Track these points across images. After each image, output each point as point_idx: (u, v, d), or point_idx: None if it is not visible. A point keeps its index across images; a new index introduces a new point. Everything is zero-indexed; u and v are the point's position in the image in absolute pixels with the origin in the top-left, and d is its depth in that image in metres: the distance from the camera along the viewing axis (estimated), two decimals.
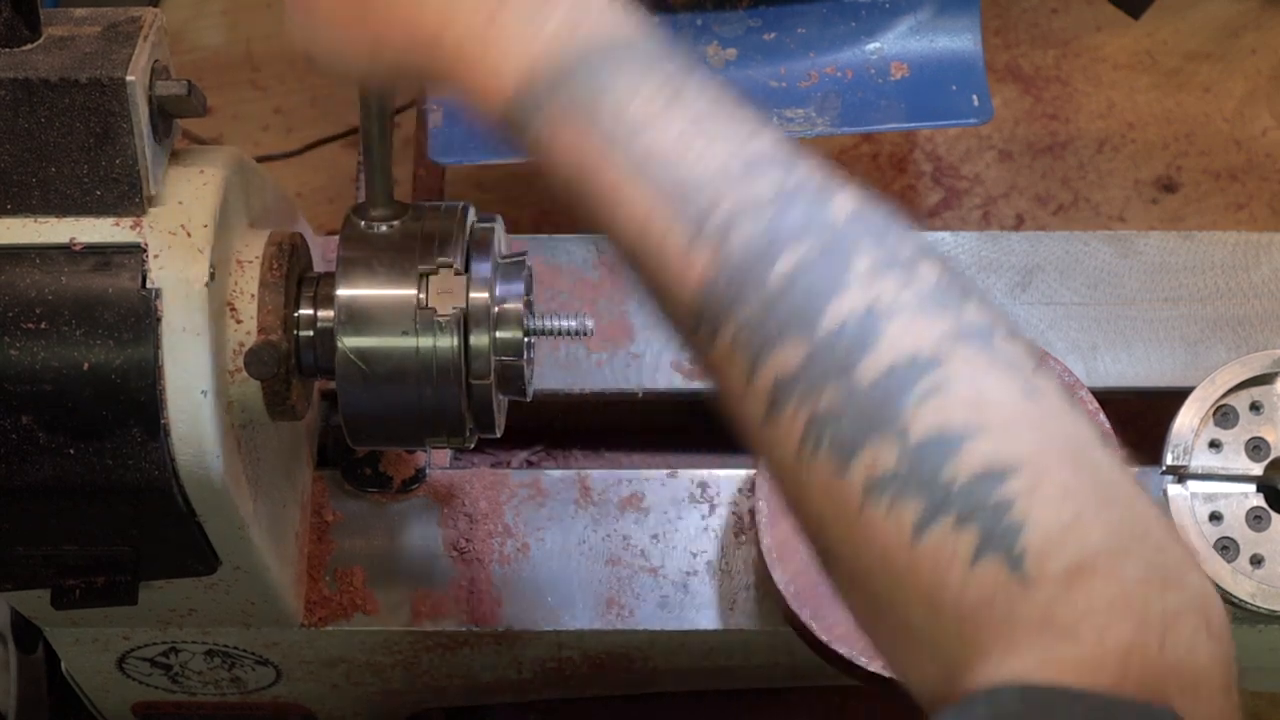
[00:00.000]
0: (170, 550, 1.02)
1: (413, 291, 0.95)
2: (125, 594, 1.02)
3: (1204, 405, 1.15)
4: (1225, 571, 1.12)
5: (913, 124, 1.28)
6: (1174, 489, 1.13)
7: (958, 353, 0.69)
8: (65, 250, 0.91)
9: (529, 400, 1.02)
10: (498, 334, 0.96)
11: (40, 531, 0.99)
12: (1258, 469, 1.14)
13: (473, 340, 0.96)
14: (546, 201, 1.85)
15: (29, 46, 0.92)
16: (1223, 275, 1.25)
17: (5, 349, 0.90)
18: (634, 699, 1.33)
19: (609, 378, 1.23)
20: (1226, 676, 0.66)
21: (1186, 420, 1.14)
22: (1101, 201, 1.69)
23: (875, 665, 1.09)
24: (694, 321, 0.72)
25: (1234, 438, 1.14)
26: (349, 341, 0.95)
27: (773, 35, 1.27)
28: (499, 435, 1.02)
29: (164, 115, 0.94)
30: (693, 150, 0.73)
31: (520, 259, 0.99)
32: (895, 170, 1.71)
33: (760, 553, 1.13)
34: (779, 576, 1.11)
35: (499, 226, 1.00)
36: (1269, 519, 1.13)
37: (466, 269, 0.96)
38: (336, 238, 0.99)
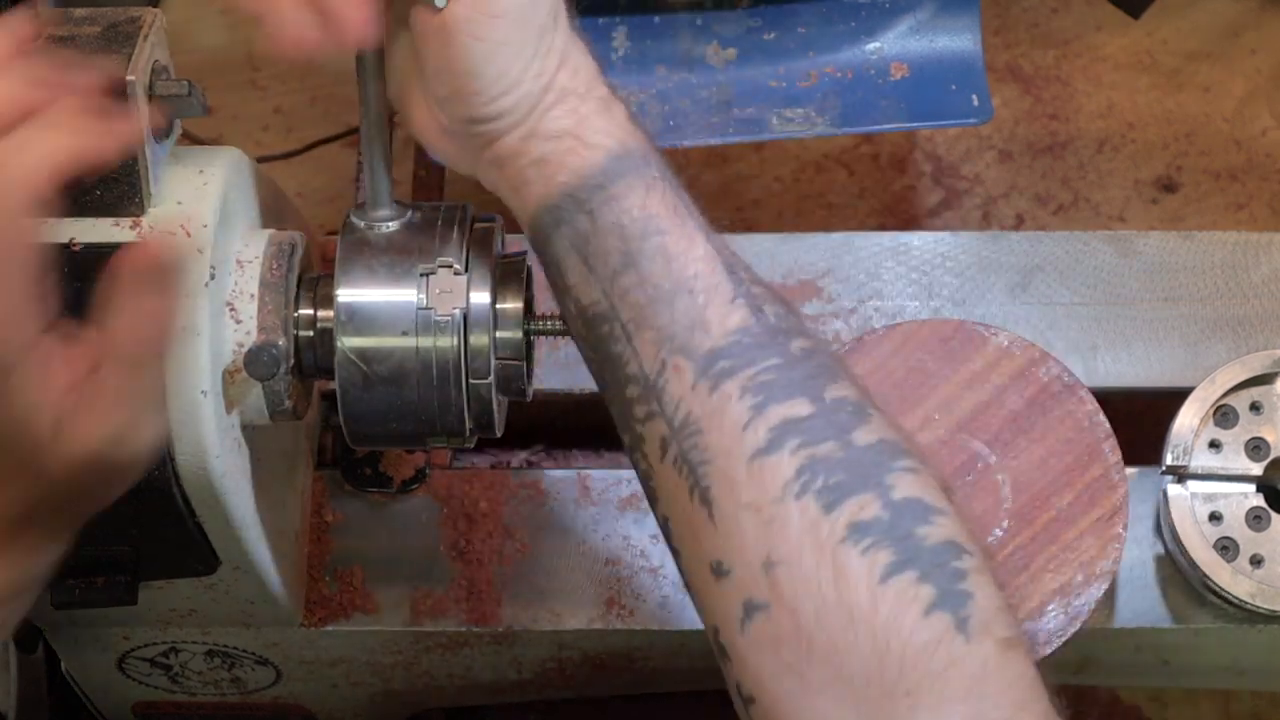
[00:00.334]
0: (170, 550, 1.02)
1: (413, 292, 0.95)
2: (125, 594, 1.02)
3: (1204, 405, 1.15)
4: (1225, 571, 1.12)
5: (913, 124, 1.28)
6: (1174, 489, 1.13)
7: (928, 469, 0.83)
8: (65, 250, 0.91)
9: (529, 400, 1.02)
10: (498, 334, 0.97)
11: None
12: (1258, 469, 1.14)
13: (472, 340, 0.96)
14: None
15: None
16: (1223, 275, 1.25)
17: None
18: (634, 699, 1.33)
19: None
20: None
21: (1186, 420, 1.14)
22: (1101, 201, 1.69)
23: None
24: (711, 356, 0.85)
25: (1234, 438, 1.14)
26: (349, 342, 0.95)
27: (773, 35, 1.27)
28: (499, 435, 1.02)
29: (163, 115, 0.94)
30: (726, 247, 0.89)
31: (520, 259, 1.00)
32: (895, 170, 1.71)
33: None
34: None
35: (499, 226, 1.00)
36: (1269, 519, 1.13)
37: (466, 269, 0.96)
38: (336, 238, 0.99)
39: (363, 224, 0.98)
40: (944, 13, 1.27)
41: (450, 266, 0.95)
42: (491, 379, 0.97)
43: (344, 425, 0.99)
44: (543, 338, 1.01)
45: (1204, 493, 1.14)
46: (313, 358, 0.99)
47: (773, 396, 0.83)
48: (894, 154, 1.71)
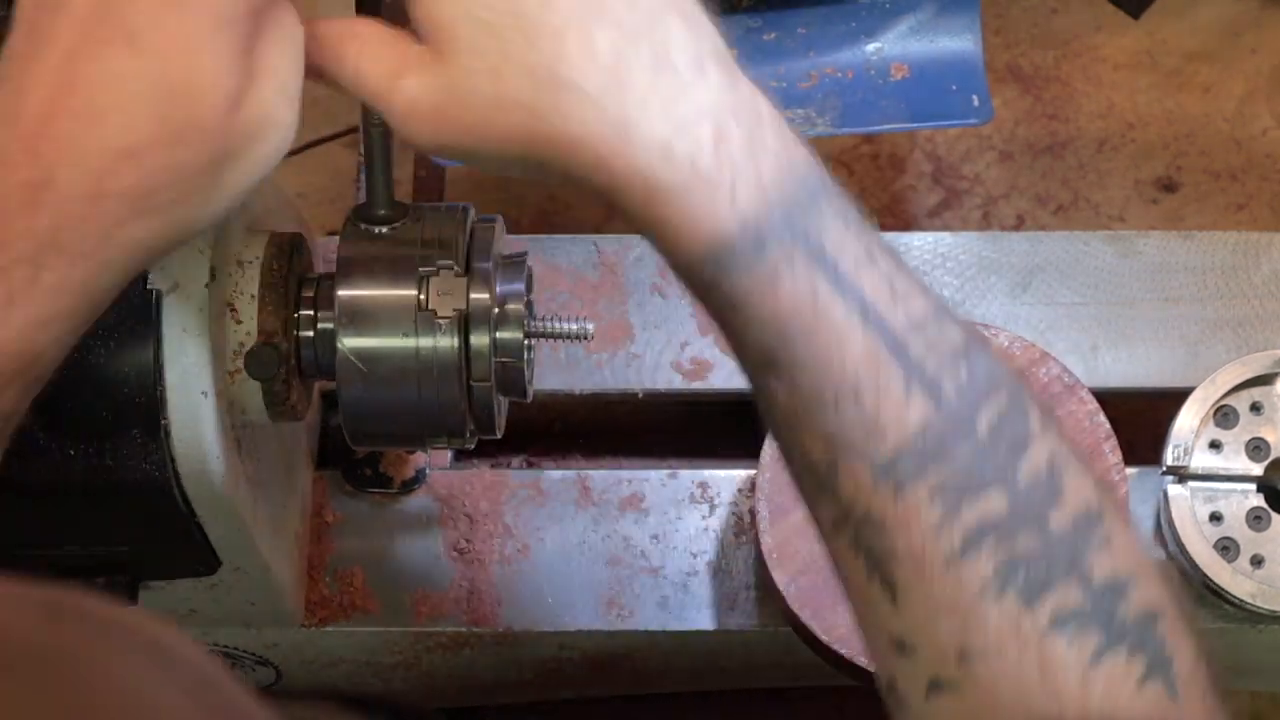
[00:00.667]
0: (170, 550, 1.02)
1: (413, 293, 0.95)
2: (125, 594, 1.02)
3: (1204, 405, 1.15)
4: (1225, 571, 1.12)
5: (913, 124, 1.28)
6: (1174, 489, 1.13)
7: (1106, 505, 0.80)
8: None
9: (529, 401, 1.02)
10: (498, 335, 0.96)
11: (40, 532, 0.99)
12: (1258, 469, 1.14)
13: (473, 341, 0.96)
14: (546, 201, 1.86)
15: None
16: (1223, 275, 1.25)
17: None
18: (634, 699, 1.33)
19: (609, 378, 1.23)
20: None
21: (1186, 420, 1.14)
22: (1101, 201, 1.69)
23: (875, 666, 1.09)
24: (892, 460, 0.76)
25: (1234, 438, 1.14)
26: (349, 342, 0.95)
27: (773, 35, 1.27)
28: (499, 437, 1.02)
29: None
30: (898, 299, 0.77)
31: (520, 259, 0.99)
32: (895, 170, 1.71)
33: (760, 553, 1.13)
34: (779, 577, 1.11)
35: (499, 227, 1.00)
36: (1269, 519, 1.13)
37: (467, 270, 0.96)
38: (336, 238, 0.99)
39: (363, 224, 0.98)
40: (944, 13, 1.27)
41: (451, 267, 0.95)
42: (492, 381, 0.97)
43: (344, 425, 0.99)
44: (543, 339, 1.01)
45: (1204, 493, 1.14)
46: (313, 358, 0.99)
47: (965, 493, 0.76)
48: (894, 154, 1.71)
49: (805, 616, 1.10)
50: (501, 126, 0.76)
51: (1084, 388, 1.15)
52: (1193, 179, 1.70)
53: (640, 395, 1.24)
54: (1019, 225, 1.68)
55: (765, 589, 1.16)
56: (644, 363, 1.23)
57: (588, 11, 0.75)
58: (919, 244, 1.27)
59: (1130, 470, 1.14)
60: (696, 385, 1.23)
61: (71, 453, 0.93)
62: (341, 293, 0.96)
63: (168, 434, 0.93)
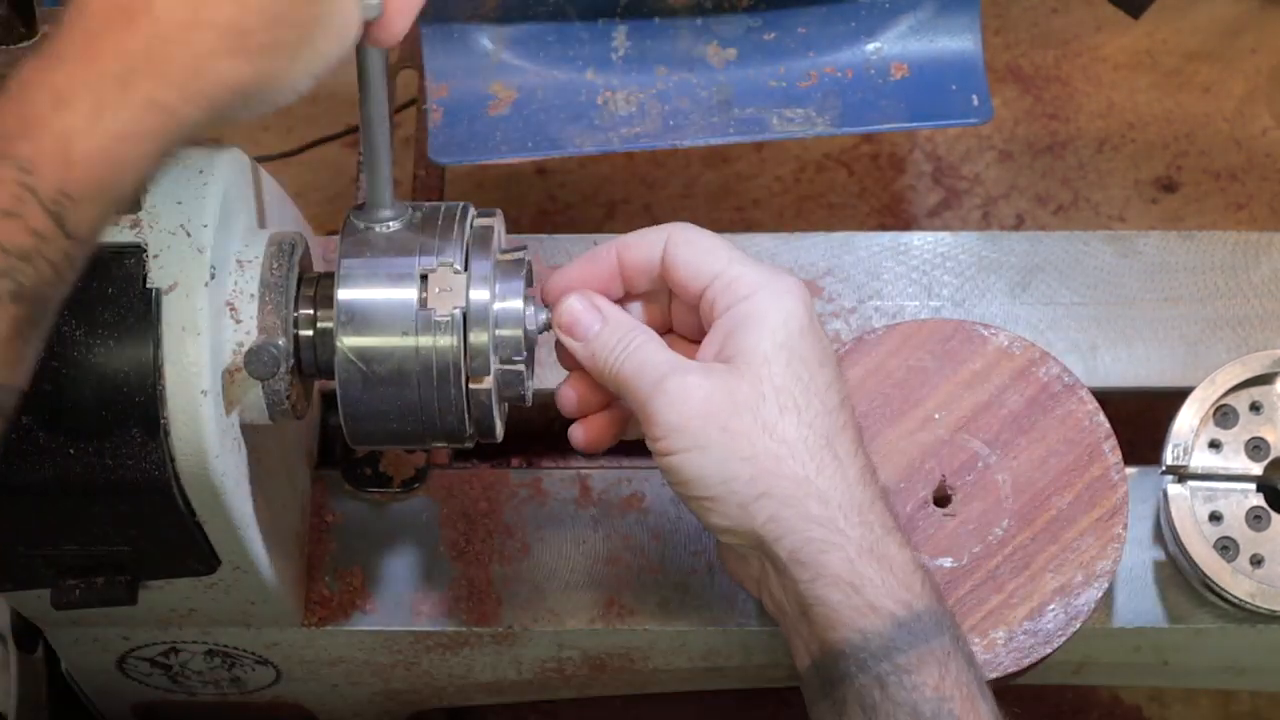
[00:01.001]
0: (170, 550, 1.02)
1: (413, 291, 0.95)
2: (125, 594, 1.02)
3: (1204, 405, 1.15)
4: (1225, 571, 1.12)
5: (913, 124, 1.28)
6: (1174, 489, 1.13)
7: None
8: None
9: (528, 405, 1.02)
10: (498, 333, 0.97)
11: (40, 531, 0.99)
12: (1258, 469, 1.14)
13: (472, 339, 0.96)
14: (546, 201, 1.86)
15: (26, 44, 0.92)
16: (1223, 275, 1.25)
17: None
18: (634, 699, 1.33)
19: None
20: None
21: (1186, 420, 1.14)
22: (1101, 201, 1.69)
23: None
24: None
25: (1234, 438, 1.15)
26: (349, 341, 0.95)
27: (773, 35, 1.27)
28: (499, 440, 1.02)
29: None
30: None
31: (520, 257, 0.99)
32: (895, 170, 1.71)
33: None
34: None
35: (499, 222, 1.00)
36: (1269, 519, 1.13)
37: (466, 268, 0.96)
38: (336, 238, 0.99)
39: (363, 224, 0.98)
40: (944, 13, 1.27)
41: (450, 265, 0.95)
42: (491, 380, 0.97)
43: (344, 425, 0.99)
44: (543, 339, 1.01)
45: (1204, 493, 1.14)
46: (313, 358, 0.99)
47: None
48: (894, 154, 1.71)
49: None
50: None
51: (1084, 387, 1.15)
52: (1193, 179, 1.70)
53: None
54: (1019, 225, 1.68)
55: None
56: None
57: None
58: (919, 244, 1.27)
59: (1130, 470, 1.14)
60: None
61: (71, 452, 0.93)
62: (341, 292, 0.96)
63: (167, 433, 0.93)
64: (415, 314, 0.95)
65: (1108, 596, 1.16)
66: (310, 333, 0.99)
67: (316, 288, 0.99)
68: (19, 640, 1.26)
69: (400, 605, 1.18)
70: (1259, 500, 1.13)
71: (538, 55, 1.26)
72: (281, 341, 0.96)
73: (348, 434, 1.00)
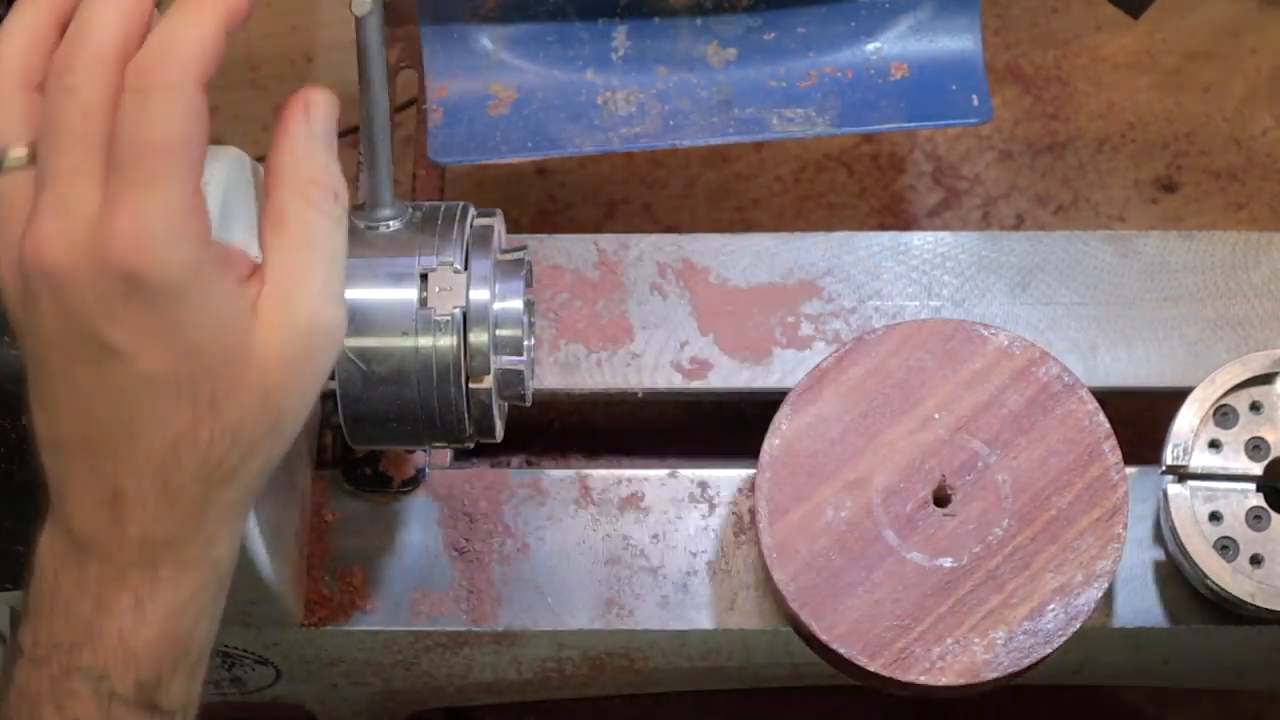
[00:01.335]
0: None
1: (412, 291, 0.95)
2: None
3: (1204, 405, 1.15)
4: (1225, 571, 1.12)
5: (913, 124, 1.28)
6: (1174, 489, 1.13)
7: None
8: None
9: (528, 405, 1.02)
10: (498, 332, 0.97)
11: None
12: (1258, 469, 1.14)
13: (472, 339, 0.96)
14: (546, 201, 1.86)
15: None
16: (1223, 275, 1.25)
17: (5, 349, 0.90)
18: (634, 699, 1.33)
19: (609, 378, 1.23)
20: None
21: (1186, 420, 1.14)
22: (1101, 201, 1.69)
23: (875, 665, 1.09)
24: None
25: (1234, 438, 1.14)
26: (349, 342, 0.95)
27: (773, 35, 1.27)
28: (499, 440, 1.02)
29: None
30: None
31: (520, 254, 0.99)
32: (895, 170, 1.71)
33: (760, 553, 1.13)
34: (779, 576, 1.11)
35: (499, 222, 1.00)
36: (1269, 519, 1.13)
37: (466, 267, 0.96)
38: None
39: (363, 224, 0.98)
40: (944, 13, 1.27)
41: (450, 265, 0.95)
42: (491, 380, 0.97)
43: (344, 425, 0.99)
44: (542, 339, 1.01)
45: (1204, 492, 1.14)
46: None
47: None
48: (894, 154, 1.71)
49: (805, 615, 1.10)
50: None
51: (1084, 387, 1.15)
52: (1193, 179, 1.70)
53: (640, 395, 1.24)
54: (1019, 225, 1.68)
55: (765, 589, 1.16)
56: (644, 362, 1.23)
57: None
58: (919, 244, 1.27)
59: (1130, 470, 1.14)
60: (696, 385, 1.23)
61: None
62: None
63: None
64: (415, 313, 0.95)
65: (1108, 596, 1.16)
66: None
67: None
68: None
69: (400, 605, 1.18)
70: (1259, 500, 1.13)
71: (538, 55, 1.26)
72: None
73: (347, 434, 1.00)
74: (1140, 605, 1.17)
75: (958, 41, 1.27)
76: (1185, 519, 1.13)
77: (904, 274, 1.26)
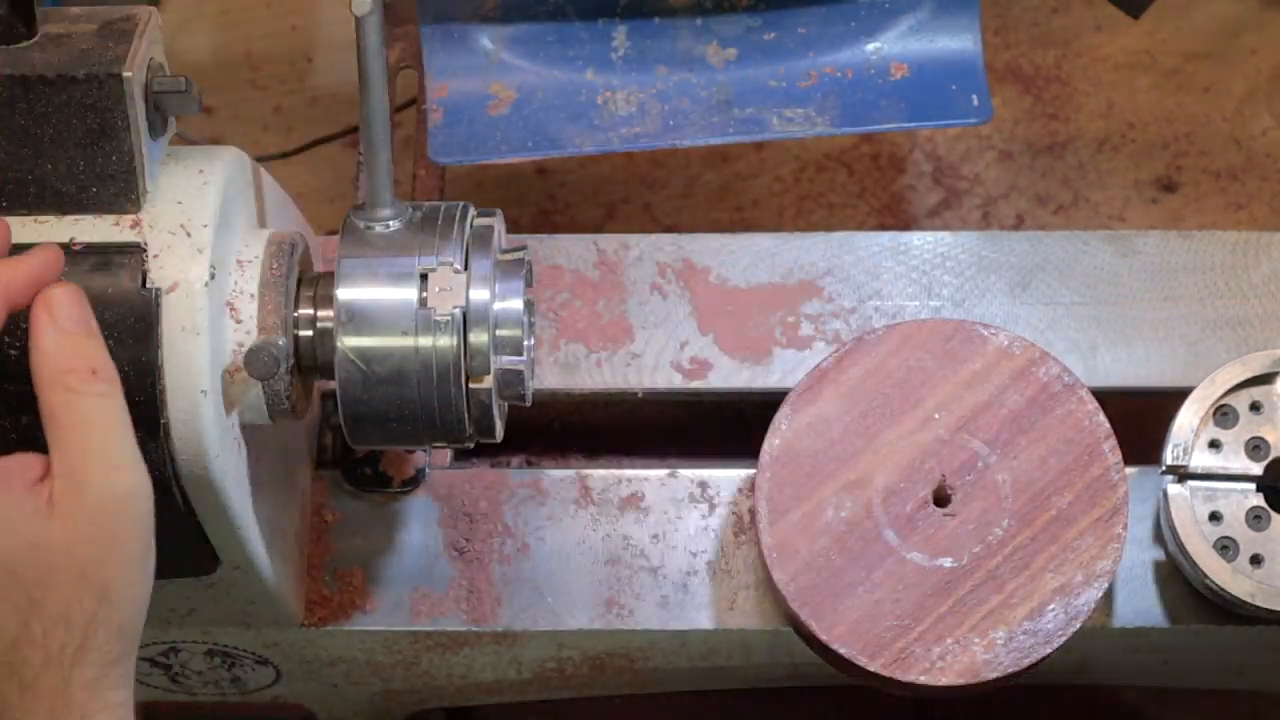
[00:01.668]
0: (170, 550, 1.01)
1: (413, 291, 0.95)
2: None
3: (1204, 405, 1.15)
4: (1225, 571, 1.12)
5: (913, 124, 1.28)
6: (1174, 489, 1.13)
7: None
8: (65, 250, 0.91)
9: (528, 405, 1.02)
10: (497, 332, 0.97)
11: None
12: (1258, 469, 1.14)
13: (472, 338, 0.96)
14: (546, 201, 1.86)
15: (25, 44, 0.92)
16: (1223, 275, 1.25)
17: (5, 349, 0.90)
18: (634, 699, 1.33)
19: (609, 378, 1.23)
20: None
21: (1186, 420, 1.14)
22: (1101, 201, 1.69)
23: (875, 665, 1.09)
24: None
25: (1234, 437, 1.14)
26: (349, 341, 0.95)
27: (773, 35, 1.27)
28: (499, 440, 1.02)
29: (160, 112, 0.94)
30: None
31: (520, 254, 0.99)
32: (895, 170, 1.71)
33: (760, 553, 1.13)
34: (779, 576, 1.11)
35: (499, 222, 1.00)
36: (1269, 519, 1.13)
37: (466, 267, 0.96)
38: (336, 238, 0.99)
39: (363, 224, 0.98)
40: (944, 13, 1.27)
41: (450, 265, 0.95)
42: (491, 379, 0.97)
43: (344, 425, 0.99)
44: (542, 339, 1.01)
45: (1204, 492, 1.14)
46: (313, 358, 0.99)
47: None
48: (894, 154, 1.71)
49: (805, 616, 1.10)
50: None
51: (1084, 387, 1.15)
52: (1193, 179, 1.70)
53: (640, 395, 1.24)
54: (1019, 225, 1.68)
55: (765, 589, 1.16)
56: (644, 362, 1.23)
57: None
58: (919, 244, 1.27)
59: (1130, 470, 1.14)
60: (696, 384, 1.23)
61: None
62: (341, 291, 0.96)
63: (167, 433, 0.93)
64: (415, 313, 0.95)
65: (1108, 596, 1.16)
66: (310, 333, 0.99)
67: (316, 287, 0.99)
68: None
69: (400, 605, 1.18)
70: (1259, 500, 1.13)
71: (538, 55, 1.26)
72: (281, 341, 0.96)
73: (348, 434, 1.00)
74: (1140, 605, 1.17)
75: (958, 41, 1.27)
76: (1185, 519, 1.13)
77: (904, 274, 1.26)
